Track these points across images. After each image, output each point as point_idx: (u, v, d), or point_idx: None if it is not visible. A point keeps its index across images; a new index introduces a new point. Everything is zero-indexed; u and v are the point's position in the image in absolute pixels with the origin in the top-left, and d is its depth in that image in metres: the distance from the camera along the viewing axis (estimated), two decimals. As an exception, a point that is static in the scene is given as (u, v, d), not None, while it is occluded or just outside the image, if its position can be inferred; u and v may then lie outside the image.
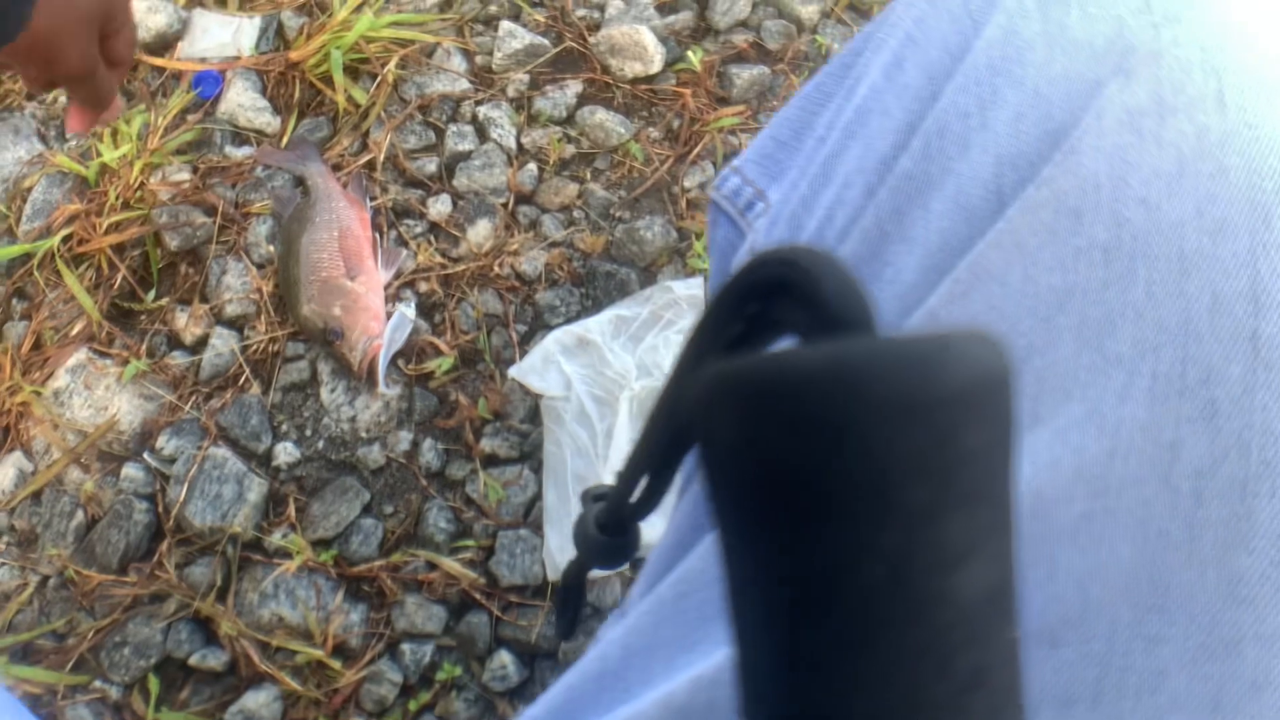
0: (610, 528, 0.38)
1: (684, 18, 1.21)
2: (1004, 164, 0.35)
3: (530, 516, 0.96)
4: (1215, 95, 0.32)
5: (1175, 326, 0.30)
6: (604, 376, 0.96)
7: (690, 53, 1.16)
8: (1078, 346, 0.31)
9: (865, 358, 0.17)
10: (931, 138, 0.38)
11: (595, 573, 0.54)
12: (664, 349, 0.97)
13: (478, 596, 0.94)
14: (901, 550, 0.17)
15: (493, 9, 1.19)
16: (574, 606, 0.50)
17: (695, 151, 1.12)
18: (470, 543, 0.95)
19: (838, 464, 0.17)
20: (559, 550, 0.92)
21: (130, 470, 0.99)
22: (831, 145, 0.45)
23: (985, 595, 0.17)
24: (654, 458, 0.30)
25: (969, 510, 0.17)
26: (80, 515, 0.99)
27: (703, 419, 0.19)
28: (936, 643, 0.17)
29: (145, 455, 1.00)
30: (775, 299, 0.21)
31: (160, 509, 0.98)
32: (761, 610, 0.18)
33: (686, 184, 1.11)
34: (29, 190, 1.14)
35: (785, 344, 0.38)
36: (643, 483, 0.33)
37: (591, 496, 0.41)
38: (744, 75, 1.16)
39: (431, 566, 0.95)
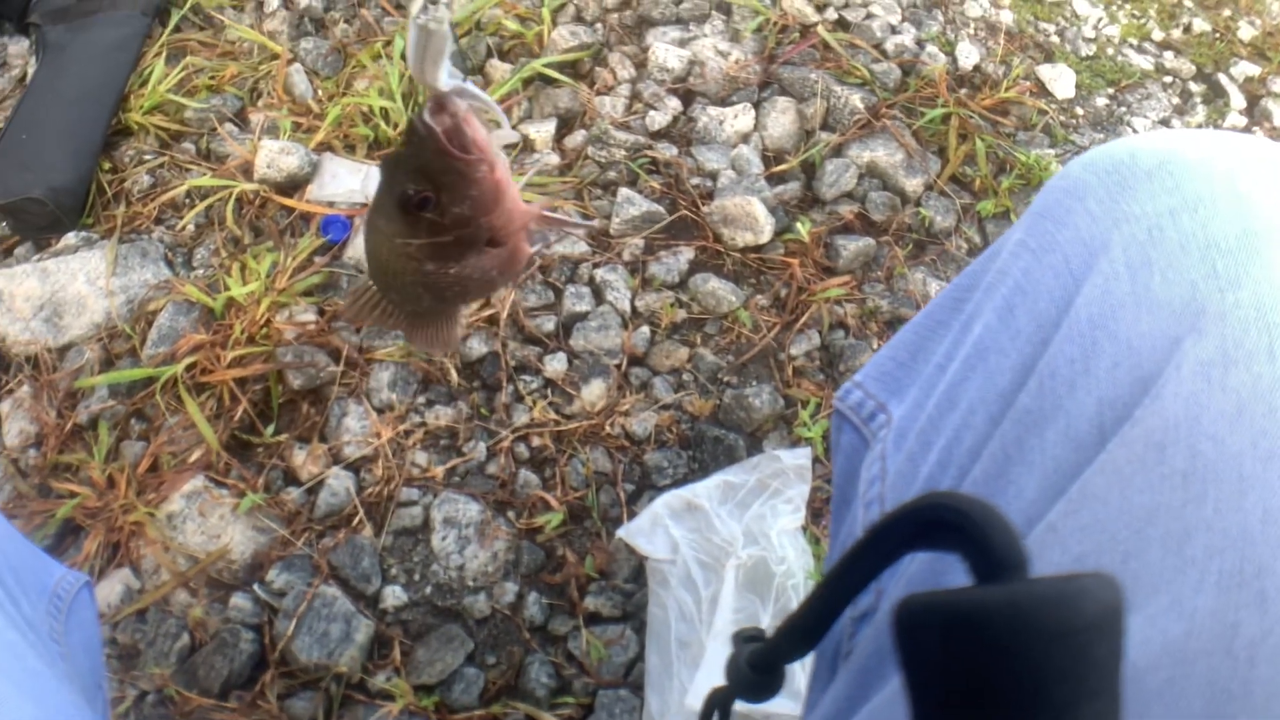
0: (760, 667, 0.49)
1: (792, 188, 1.34)
2: (1104, 404, 0.46)
3: (630, 676, 1.04)
4: (1267, 348, 0.43)
5: (1236, 534, 0.41)
6: (710, 542, 1.05)
7: (799, 223, 1.29)
8: (1163, 552, 0.42)
9: (1028, 598, 0.28)
10: (1045, 379, 0.49)
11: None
12: (771, 517, 1.06)
13: (575, 755, 1.01)
14: None
15: (611, 175, 1.33)
16: None
17: (802, 320, 1.23)
18: (570, 699, 1.03)
19: (1010, 671, 0.27)
20: (659, 713, 1.00)
21: (239, 600, 1.09)
22: (953, 374, 0.57)
23: None
24: (819, 619, 0.42)
25: (1094, 699, 0.28)
26: (185, 638, 1.08)
27: (910, 634, 0.30)
28: None
29: (255, 586, 1.10)
30: (946, 534, 0.32)
31: (266, 640, 1.07)
32: None
33: (793, 351, 1.22)
34: (154, 314, 1.27)
35: (924, 556, 0.52)
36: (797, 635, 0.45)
37: (743, 638, 0.53)
38: (850, 246, 1.28)
39: (531, 720, 1.02)
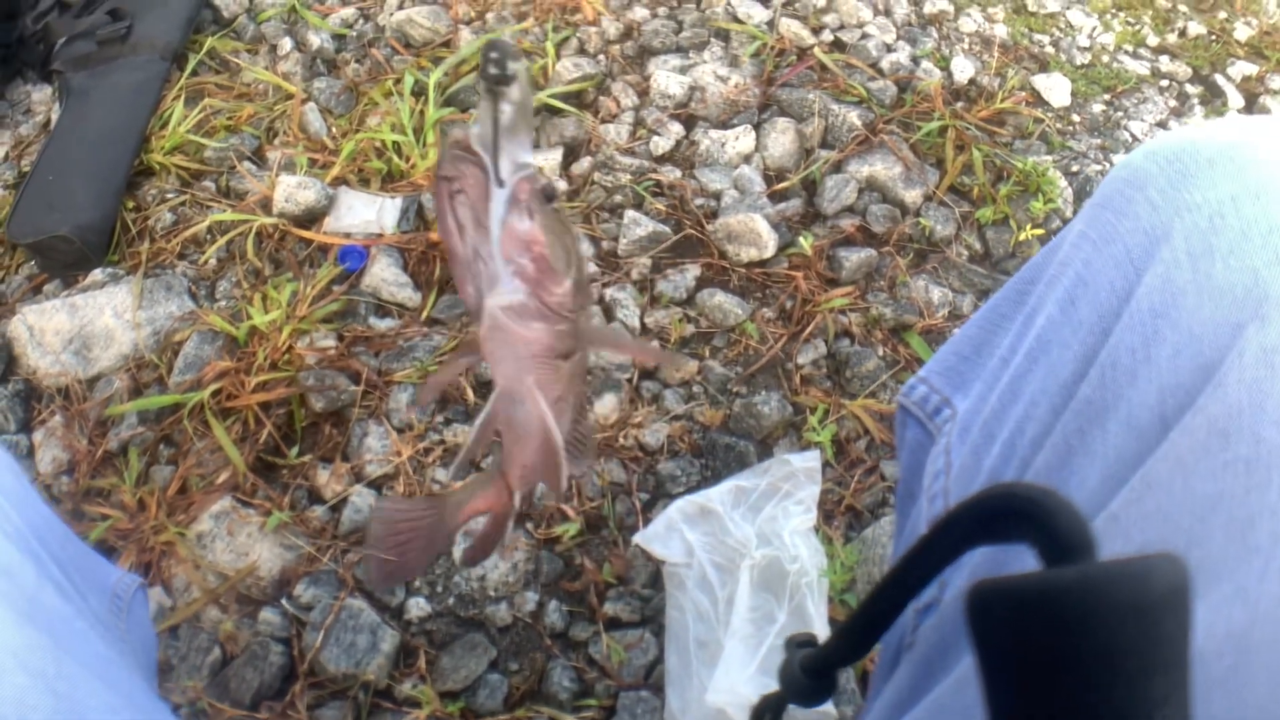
0: (814, 672, 0.51)
1: (794, 205, 1.41)
2: (1166, 393, 0.47)
3: (651, 678, 1.10)
4: None
5: None
6: (725, 545, 1.11)
7: (801, 238, 1.36)
8: (1226, 540, 0.42)
9: (1098, 576, 0.29)
10: (1106, 369, 0.50)
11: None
12: (783, 519, 1.12)
13: (598, 755, 1.06)
14: (1124, 701, 0.29)
15: (617, 198, 1.40)
16: None
17: (808, 330, 1.30)
18: (592, 702, 1.09)
19: (1083, 647, 0.28)
20: (680, 712, 1.05)
21: (268, 614, 1.15)
22: (1016, 367, 0.59)
23: None
24: (878, 619, 0.43)
25: (1165, 673, 0.29)
26: (217, 652, 1.14)
27: (982, 616, 0.31)
28: None
29: (283, 601, 1.16)
30: (1013, 522, 0.34)
31: (295, 652, 1.13)
32: None
33: (800, 361, 1.28)
34: (180, 344, 1.34)
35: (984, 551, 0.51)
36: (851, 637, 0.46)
37: (795, 643, 0.54)
38: (852, 258, 1.35)
39: (554, 724, 1.08)
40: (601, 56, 1.58)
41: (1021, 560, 0.33)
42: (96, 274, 1.43)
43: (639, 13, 1.64)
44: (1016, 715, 0.31)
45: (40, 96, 1.67)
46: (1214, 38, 1.80)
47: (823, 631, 1.07)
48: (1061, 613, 0.29)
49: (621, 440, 1.22)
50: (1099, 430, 0.49)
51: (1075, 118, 1.62)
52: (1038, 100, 1.62)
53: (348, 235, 1.39)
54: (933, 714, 0.53)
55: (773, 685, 0.58)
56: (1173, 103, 1.69)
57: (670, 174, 1.43)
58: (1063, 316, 0.55)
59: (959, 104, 1.55)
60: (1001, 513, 0.33)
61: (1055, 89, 1.62)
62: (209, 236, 1.44)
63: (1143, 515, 0.45)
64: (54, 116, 1.60)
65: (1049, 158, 1.52)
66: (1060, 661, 0.29)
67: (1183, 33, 1.81)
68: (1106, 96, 1.67)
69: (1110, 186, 0.55)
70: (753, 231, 1.34)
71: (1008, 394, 0.58)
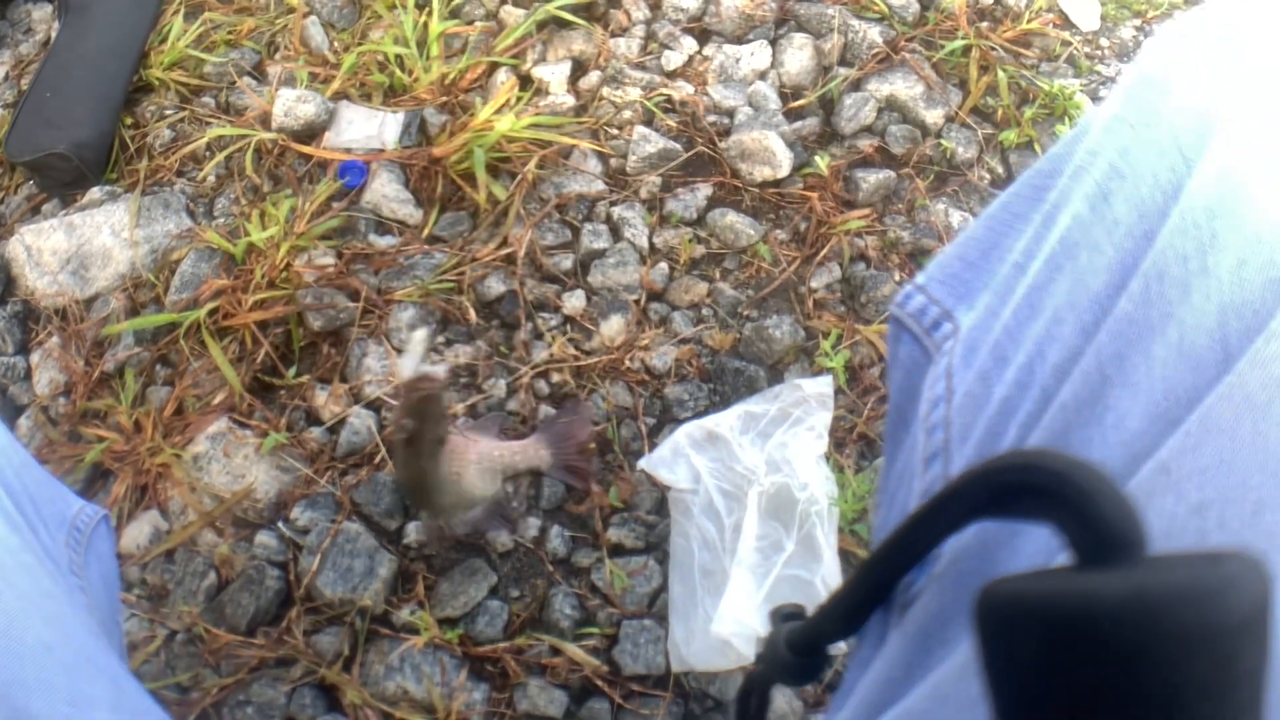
0: (801, 648, 0.43)
1: (810, 124, 1.31)
2: (1228, 312, 0.37)
3: (654, 607, 1.03)
4: None
5: None
6: (733, 471, 1.04)
7: (817, 157, 1.26)
8: None
9: (1161, 592, 0.21)
10: (1151, 281, 0.39)
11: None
12: (793, 445, 1.04)
13: (600, 684, 1.00)
14: None
15: (626, 114, 1.31)
16: (756, 718, 0.55)
17: (822, 253, 1.21)
18: (594, 630, 1.02)
19: (1135, 687, 0.21)
20: (683, 641, 0.99)
21: (264, 537, 1.09)
22: (1035, 276, 0.47)
23: None
24: (868, 594, 0.36)
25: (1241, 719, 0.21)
26: (213, 576, 1.08)
27: (1000, 634, 0.23)
28: None
29: (280, 524, 1.10)
30: (1036, 501, 0.25)
31: (291, 577, 1.07)
32: None
33: (813, 284, 1.20)
34: (177, 263, 1.27)
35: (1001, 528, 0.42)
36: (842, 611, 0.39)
37: (781, 616, 0.46)
38: (870, 179, 1.26)
39: (555, 651, 1.01)
40: (613, -29, 1.48)
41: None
42: (94, 192, 1.35)
43: (652, -72, 1.53)
44: None
45: (41, 15, 1.58)
46: (1248, -37, 1.68)
47: (832, 562, 1.00)
48: (1112, 642, 0.21)
49: (628, 363, 1.14)
50: (1142, 357, 0.39)
51: (1104, 42, 1.51)
52: (1065, 23, 1.51)
53: (348, 150, 1.30)
54: (933, 704, 0.43)
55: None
56: (1204, 28, 1.57)
57: (682, 89, 1.33)
58: (1093, 215, 0.44)
59: (983, 24, 1.45)
60: (1023, 489, 0.26)
61: (1083, 12, 1.51)
62: (208, 153, 1.36)
63: (1200, 468, 0.35)
64: (54, 34, 1.51)
65: (1076, 81, 1.42)
66: (1105, 705, 0.21)
67: (1216, -43, 1.69)
68: (1136, 22, 1.55)
69: (1151, 59, 0.44)
70: (767, 150, 1.25)
71: (1024, 308, 0.47)
